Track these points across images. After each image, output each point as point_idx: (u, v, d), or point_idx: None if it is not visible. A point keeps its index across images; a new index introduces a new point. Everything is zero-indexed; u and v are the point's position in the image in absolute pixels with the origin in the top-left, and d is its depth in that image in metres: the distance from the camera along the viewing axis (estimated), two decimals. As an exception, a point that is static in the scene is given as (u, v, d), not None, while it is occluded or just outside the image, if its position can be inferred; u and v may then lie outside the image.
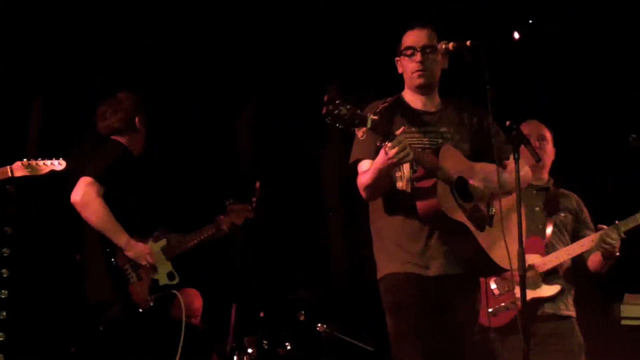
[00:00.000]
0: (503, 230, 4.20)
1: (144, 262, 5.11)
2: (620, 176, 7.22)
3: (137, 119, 5.42)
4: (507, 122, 4.22)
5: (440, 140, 4.37)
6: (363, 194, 4.35)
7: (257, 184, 6.07)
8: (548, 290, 5.25)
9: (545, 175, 5.50)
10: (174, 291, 5.25)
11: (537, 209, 5.38)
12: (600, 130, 7.30)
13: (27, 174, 5.29)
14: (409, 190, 4.26)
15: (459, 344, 4.35)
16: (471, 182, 4.36)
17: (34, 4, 6.78)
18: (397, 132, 4.01)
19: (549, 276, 5.26)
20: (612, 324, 6.40)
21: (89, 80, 6.84)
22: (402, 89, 4.58)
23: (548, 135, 5.52)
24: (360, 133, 3.91)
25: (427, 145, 4.32)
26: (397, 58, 4.54)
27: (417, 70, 4.43)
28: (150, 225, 5.33)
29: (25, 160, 5.31)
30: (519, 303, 5.11)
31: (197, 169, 7.23)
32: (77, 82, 6.83)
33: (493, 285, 5.27)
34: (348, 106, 3.86)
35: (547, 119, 7.30)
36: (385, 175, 4.22)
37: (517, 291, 5.14)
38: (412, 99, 4.51)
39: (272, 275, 7.29)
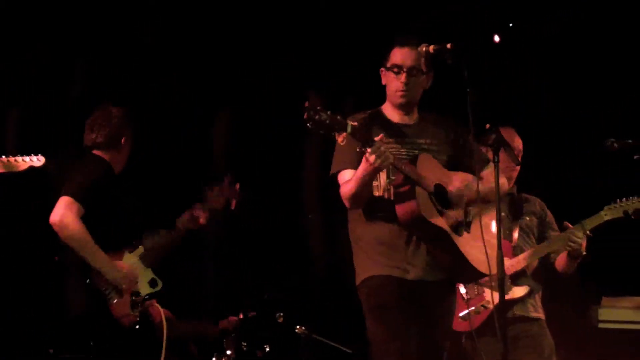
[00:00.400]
0: (482, 235, 4.24)
1: (124, 286, 5.06)
2: (586, 177, 7.28)
3: (123, 139, 5.36)
4: (487, 125, 4.24)
5: (417, 152, 4.43)
6: (347, 203, 4.40)
7: (237, 186, 6.04)
8: (517, 291, 5.28)
9: (511, 184, 5.51)
10: (151, 300, 5.19)
11: (502, 214, 5.38)
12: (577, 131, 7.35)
13: (3, 171, 5.22)
14: (386, 197, 4.33)
15: (437, 350, 4.43)
16: (449, 189, 4.40)
17: (34, 3, 6.76)
18: (376, 139, 4.08)
19: (517, 278, 5.29)
20: (590, 327, 6.44)
21: (89, 80, 6.84)
22: (384, 99, 4.64)
23: (520, 146, 5.52)
24: (340, 138, 3.97)
25: (404, 156, 4.38)
26: (382, 69, 4.58)
27: (401, 90, 4.49)
28: (128, 238, 5.28)
29: (3, 157, 5.22)
30: (490, 306, 5.17)
31: (176, 173, 7.20)
32: (77, 81, 6.82)
33: (462, 290, 5.30)
34: (328, 112, 3.93)
35: (548, 119, 7.39)
36: (369, 183, 4.28)
37: (487, 294, 5.21)
38: (391, 113, 4.58)
39: (251, 277, 7.28)
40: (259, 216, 7.26)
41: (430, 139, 4.53)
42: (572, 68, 7.53)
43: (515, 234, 5.39)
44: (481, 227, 4.29)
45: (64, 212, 4.95)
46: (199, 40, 7.31)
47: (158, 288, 5.20)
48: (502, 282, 4.08)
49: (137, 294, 5.11)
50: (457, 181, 4.47)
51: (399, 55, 4.51)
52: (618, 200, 5.35)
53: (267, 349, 6.51)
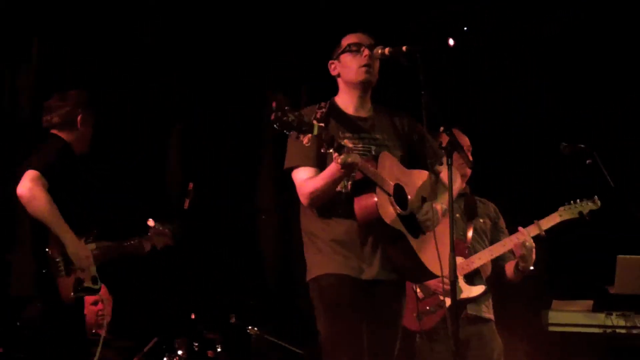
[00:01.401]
0: (435, 237, 4.26)
1: (77, 264, 5.04)
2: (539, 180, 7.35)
3: (79, 117, 5.34)
4: (441, 128, 4.24)
5: (374, 147, 4.40)
6: (306, 200, 4.35)
7: (190, 185, 6.02)
8: (472, 290, 5.27)
9: (463, 183, 5.53)
10: (99, 295, 5.16)
11: (457, 215, 5.40)
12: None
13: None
14: (344, 192, 4.29)
15: (387, 351, 4.40)
16: (407, 189, 4.39)
17: (34, 3, 6.73)
18: (344, 143, 4.10)
19: (471, 278, 5.29)
20: (540, 330, 6.49)
21: (88, 80, 6.78)
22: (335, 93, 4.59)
23: (468, 143, 5.54)
24: (305, 140, 3.95)
25: (360, 151, 4.34)
26: (332, 60, 4.54)
27: (364, 65, 4.43)
28: (84, 225, 5.26)
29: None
30: (445, 306, 5.17)
31: (132, 176, 7.17)
32: (77, 81, 6.76)
33: (417, 289, 5.30)
34: (296, 113, 3.92)
35: (546, 119, 7.41)
36: (337, 184, 4.26)
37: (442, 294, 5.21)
38: (345, 103, 4.51)
39: (203, 277, 7.26)
40: (212, 216, 7.23)
41: (386, 134, 4.49)
42: (572, 68, 7.58)
43: (470, 234, 5.39)
44: (434, 234, 4.32)
45: (32, 185, 4.94)
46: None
47: (97, 287, 5.16)
48: (454, 286, 4.08)
49: (81, 281, 5.08)
50: (415, 180, 4.45)
51: (355, 37, 4.49)
52: (572, 201, 5.39)
53: (219, 349, 6.49)
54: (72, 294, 5.03)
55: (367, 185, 4.23)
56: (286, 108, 3.88)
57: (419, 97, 4.16)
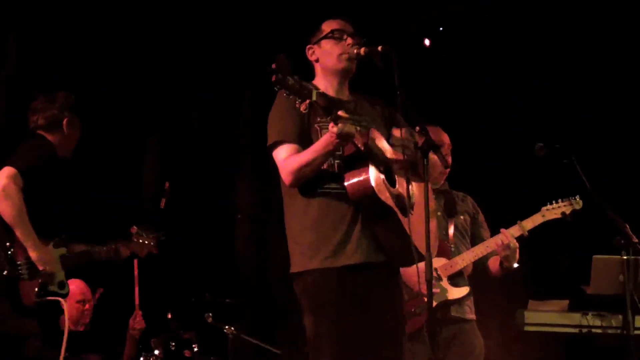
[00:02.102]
0: (426, 217, 4.14)
1: (41, 268, 4.99)
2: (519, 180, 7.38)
3: (64, 121, 5.30)
4: (417, 128, 4.22)
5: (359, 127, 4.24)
6: (291, 176, 4.20)
7: (167, 185, 6.01)
8: (457, 292, 5.27)
9: (443, 179, 5.52)
10: (60, 299, 5.11)
11: (438, 213, 5.39)
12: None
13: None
14: (330, 171, 4.20)
15: (385, 339, 4.25)
16: (395, 168, 4.31)
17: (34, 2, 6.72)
18: (340, 113, 3.96)
19: (454, 279, 5.28)
20: (516, 330, 6.50)
21: (88, 80, 6.77)
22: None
23: (448, 141, 5.52)
24: (303, 106, 3.89)
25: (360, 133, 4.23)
26: (311, 45, 4.48)
27: (347, 53, 4.37)
28: (56, 229, 5.22)
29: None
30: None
31: (111, 178, 7.15)
32: (77, 81, 6.74)
33: None
34: (296, 77, 3.86)
35: (546, 119, 7.42)
36: (328, 157, 4.15)
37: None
38: (324, 87, 4.39)
39: (179, 276, 7.25)
40: (188, 215, 7.23)
41: (369, 117, 4.37)
42: (572, 68, 7.59)
43: (451, 232, 5.37)
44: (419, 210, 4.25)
45: (6, 182, 4.90)
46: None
47: (64, 292, 5.11)
48: (430, 284, 4.06)
49: (46, 285, 5.04)
50: (401, 160, 4.34)
51: (337, 23, 4.45)
52: (554, 201, 5.39)
53: (196, 349, 6.47)
54: (34, 298, 4.98)
55: (359, 159, 4.14)
56: (287, 70, 3.82)
57: (394, 97, 4.15)
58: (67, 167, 5.41)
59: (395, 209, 4.20)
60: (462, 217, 5.48)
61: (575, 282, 6.65)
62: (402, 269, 4.70)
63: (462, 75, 7.80)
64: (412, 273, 5.05)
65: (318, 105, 3.93)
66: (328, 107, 3.96)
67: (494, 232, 5.40)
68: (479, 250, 5.32)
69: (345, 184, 4.16)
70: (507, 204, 6.07)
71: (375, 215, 4.22)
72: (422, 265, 5.08)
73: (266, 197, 4.60)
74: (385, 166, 4.26)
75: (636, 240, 5.13)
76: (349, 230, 4.22)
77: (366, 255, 4.22)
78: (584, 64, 7.57)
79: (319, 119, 4.25)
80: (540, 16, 7.50)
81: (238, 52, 7.49)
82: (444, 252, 5.28)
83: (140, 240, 5.56)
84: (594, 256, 6.36)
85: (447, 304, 5.23)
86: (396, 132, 4.33)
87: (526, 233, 5.29)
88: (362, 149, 4.11)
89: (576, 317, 6.57)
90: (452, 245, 5.35)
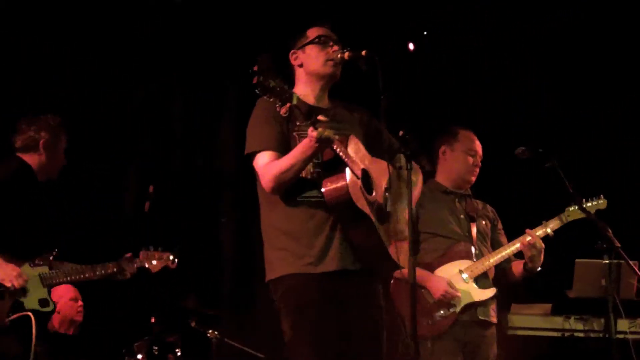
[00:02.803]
0: (389, 228, 4.24)
1: (8, 284, 4.92)
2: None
3: (41, 142, 5.25)
4: (400, 132, 4.22)
5: (338, 135, 4.26)
6: (271, 184, 4.19)
7: (151, 188, 6.00)
8: (484, 294, 5.26)
9: (468, 184, 5.54)
10: (30, 314, 5.04)
11: (461, 216, 5.42)
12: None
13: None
14: (309, 178, 4.20)
15: (361, 345, 4.27)
16: (372, 175, 4.32)
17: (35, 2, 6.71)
18: (320, 117, 3.96)
19: (480, 280, 5.27)
20: (499, 333, 6.51)
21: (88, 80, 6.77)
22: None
23: (480, 152, 5.52)
24: (283, 110, 3.87)
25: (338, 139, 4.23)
26: (295, 50, 4.48)
27: (332, 59, 4.38)
28: (33, 249, 5.15)
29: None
30: (457, 309, 5.15)
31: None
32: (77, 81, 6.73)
33: (425, 292, 5.23)
34: (278, 80, 3.83)
35: (546, 119, 7.42)
36: (308, 162, 4.14)
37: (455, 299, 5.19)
38: (305, 93, 4.39)
39: (163, 280, 7.22)
40: (173, 219, 7.21)
41: (348, 124, 4.41)
42: (572, 68, 7.61)
43: (474, 233, 5.38)
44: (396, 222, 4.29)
45: None
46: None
47: (48, 309, 5.05)
48: (414, 289, 4.07)
49: (21, 304, 4.98)
50: (379, 168, 4.38)
51: (322, 30, 4.46)
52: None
53: (179, 353, 6.46)
54: (5, 318, 4.93)
55: (337, 165, 4.14)
56: (269, 72, 3.79)
57: (378, 102, 4.16)
58: (51, 188, 5.37)
59: (372, 216, 4.21)
60: (483, 221, 5.49)
61: (558, 286, 6.69)
62: (424, 274, 5.00)
63: (462, 75, 7.81)
64: (433, 279, 5.19)
65: (298, 109, 3.92)
66: (308, 111, 3.96)
67: (513, 232, 5.44)
68: (505, 251, 5.33)
69: (323, 190, 4.16)
70: (510, 206, 6.07)
71: (351, 222, 4.23)
72: (450, 268, 5.24)
73: (249, 200, 4.60)
74: (363, 173, 4.26)
75: (618, 245, 5.14)
76: (329, 237, 4.23)
77: (345, 262, 4.24)
78: (584, 63, 7.59)
79: (297, 127, 4.25)
80: (540, 16, 7.51)
81: (220, 53, 7.48)
82: (467, 254, 5.30)
83: (150, 257, 5.45)
84: (577, 260, 6.40)
85: (474, 305, 5.23)
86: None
87: (552, 234, 5.31)
88: (341, 155, 4.11)
89: (559, 321, 6.62)
90: (476, 248, 5.35)
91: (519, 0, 7.51)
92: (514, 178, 7.49)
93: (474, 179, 5.50)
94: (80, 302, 6.12)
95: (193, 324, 6.59)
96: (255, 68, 3.79)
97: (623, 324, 6.23)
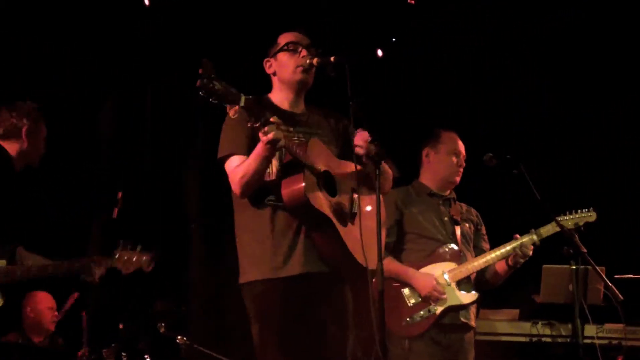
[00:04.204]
0: (360, 227, 4.19)
1: None
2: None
3: (24, 129, 5.22)
4: (369, 138, 4.24)
5: (310, 140, 4.31)
6: (238, 188, 4.21)
7: (120, 195, 5.98)
8: (466, 297, 5.30)
9: (452, 185, 5.56)
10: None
11: (445, 218, 5.45)
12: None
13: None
14: (277, 180, 4.20)
15: (328, 349, 4.29)
16: (337, 177, 4.32)
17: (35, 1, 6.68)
18: (272, 119, 3.95)
19: (462, 284, 5.31)
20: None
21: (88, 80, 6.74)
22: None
23: (464, 152, 5.56)
24: (232, 112, 3.86)
25: (295, 141, 4.25)
26: (268, 58, 4.50)
27: (301, 65, 4.39)
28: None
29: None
30: (437, 311, 5.18)
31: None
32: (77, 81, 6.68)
33: (406, 292, 5.27)
34: (223, 83, 3.81)
35: (547, 119, 7.43)
36: (266, 162, 4.13)
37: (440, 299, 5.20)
38: (280, 99, 4.45)
39: (131, 286, 7.19)
40: (142, 223, 7.19)
41: (321, 130, 4.44)
42: (572, 68, 7.63)
43: (458, 236, 5.41)
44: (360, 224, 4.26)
45: None
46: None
47: None
48: (382, 295, 4.06)
49: None
50: (345, 170, 4.38)
51: (292, 36, 4.45)
52: (568, 212, 5.45)
53: (148, 359, 6.44)
54: None
55: (295, 167, 4.14)
56: (212, 76, 3.77)
57: (347, 107, 4.17)
58: (31, 176, 5.33)
59: (332, 218, 4.21)
60: (467, 224, 5.52)
61: (526, 291, 6.72)
62: (410, 271, 5.09)
63: (462, 75, 7.83)
64: (419, 276, 5.22)
65: (246, 111, 3.90)
66: (257, 112, 3.94)
67: (496, 240, 5.48)
68: (490, 257, 5.38)
69: (282, 191, 4.17)
70: (504, 210, 6.09)
71: (311, 224, 4.24)
72: (433, 269, 5.27)
73: (218, 205, 4.59)
74: (325, 175, 4.27)
75: (584, 250, 5.19)
76: (293, 241, 4.25)
77: (310, 265, 4.25)
78: (584, 63, 7.62)
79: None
80: (540, 16, 7.54)
81: (191, 61, 7.47)
82: (452, 257, 5.32)
83: (126, 257, 5.20)
84: (544, 266, 6.43)
85: (457, 308, 5.26)
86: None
87: (538, 242, 5.36)
88: (298, 156, 4.12)
89: (526, 326, 6.65)
90: (461, 251, 5.38)
91: (519, 0, 7.54)
92: (514, 178, 7.53)
93: (458, 179, 5.53)
94: (56, 313, 6.09)
95: (162, 330, 6.57)
96: (200, 71, 3.77)
97: (590, 330, 6.25)
